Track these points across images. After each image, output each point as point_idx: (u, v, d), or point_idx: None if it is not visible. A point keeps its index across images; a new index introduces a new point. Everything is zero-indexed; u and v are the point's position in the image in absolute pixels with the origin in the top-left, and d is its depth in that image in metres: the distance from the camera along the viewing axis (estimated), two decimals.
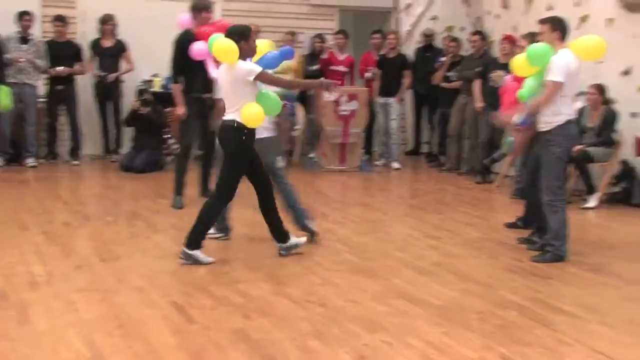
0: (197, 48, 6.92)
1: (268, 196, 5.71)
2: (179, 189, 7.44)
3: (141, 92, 9.79)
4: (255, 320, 4.34)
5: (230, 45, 5.26)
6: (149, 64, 10.31)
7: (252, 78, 5.29)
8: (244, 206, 7.55)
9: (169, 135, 9.88)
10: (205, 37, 7.03)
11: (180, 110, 7.32)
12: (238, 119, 5.32)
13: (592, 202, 7.94)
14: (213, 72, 6.67)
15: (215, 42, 5.44)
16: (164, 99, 9.34)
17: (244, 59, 5.37)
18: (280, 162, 6.08)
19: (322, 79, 7.56)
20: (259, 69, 5.34)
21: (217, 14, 9.61)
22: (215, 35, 5.85)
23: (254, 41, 5.50)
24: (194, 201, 7.56)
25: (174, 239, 6.11)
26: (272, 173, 5.89)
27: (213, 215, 5.60)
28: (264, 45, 5.81)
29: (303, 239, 5.87)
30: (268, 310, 4.52)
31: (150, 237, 6.23)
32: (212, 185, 7.75)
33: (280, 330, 4.19)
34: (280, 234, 5.74)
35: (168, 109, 9.39)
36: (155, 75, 10.36)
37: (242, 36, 5.34)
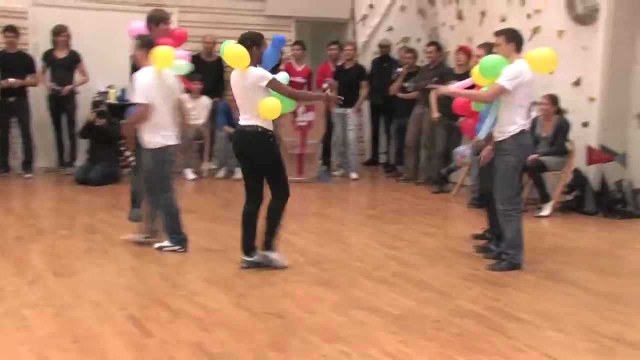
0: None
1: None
2: (136, 201, 7.34)
3: (96, 104, 9.67)
4: (214, 333, 4.31)
5: (242, 50, 5.38)
6: (104, 76, 10.20)
7: (264, 84, 5.42)
8: (202, 219, 7.53)
9: (125, 147, 9.77)
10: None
11: None
12: (260, 123, 5.47)
13: (546, 210, 8.08)
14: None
15: (227, 48, 5.48)
16: (120, 110, 9.25)
17: (255, 65, 5.48)
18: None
19: (328, 92, 7.67)
20: (270, 76, 5.48)
21: (174, 24, 9.54)
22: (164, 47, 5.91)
23: (266, 47, 5.68)
24: None
25: (132, 252, 6.05)
26: (163, 181, 6.06)
27: (281, 213, 5.74)
28: None
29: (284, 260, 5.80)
30: (226, 322, 4.49)
31: (107, 251, 6.15)
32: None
33: (239, 342, 4.17)
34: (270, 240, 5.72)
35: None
36: (110, 87, 10.25)
37: (255, 42, 5.50)
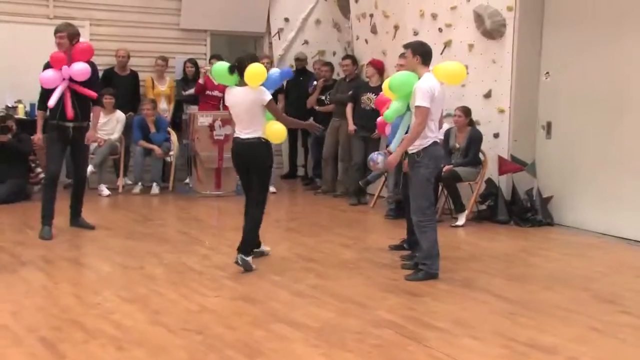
0: (46, 76, 6.97)
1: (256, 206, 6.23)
2: (46, 218, 7.13)
3: (2, 119, 9.33)
4: (130, 351, 4.21)
5: (264, 70, 5.96)
6: (12, 90, 9.88)
7: (265, 103, 6.00)
8: (118, 235, 7.36)
9: (35, 164, 9.47)
10: (56, 64, 6.92)
11: (36, 137, 7.45)
12: (262, 135, 6.03)
13: (461, 220, 8.26)
14: (52, 100, 6.93)
15: (252, 68, 5.89)
16: (29, 126, 8.96)
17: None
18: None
19: (311, 120, 8.74)
20: (269, 96, 6.04)
21: (86, 38, 9.34)
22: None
23: None
24: (62, 231, 7.30)
25: (43, 271, 5.85)
26: None
27: (260, 221, 6.20)
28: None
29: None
30: (143, 340, 4.39)
31: (16, 271, 5.92)
32: (83, 214, 7.54)
33: None
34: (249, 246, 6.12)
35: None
36: (19, 102, 9.93)
37: (255, 60, 6.05)
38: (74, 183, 7.65)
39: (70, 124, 7.13)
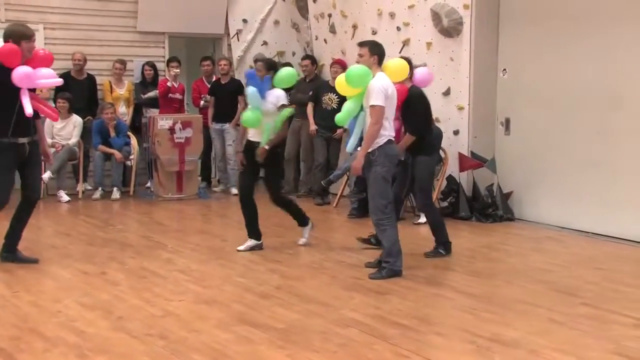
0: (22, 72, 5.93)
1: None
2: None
3: None
4: (92, 359, 4.15)
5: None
6: None
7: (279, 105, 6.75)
8: (78, 241, 7.25)
9: None
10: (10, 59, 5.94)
11: None
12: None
13: (423, 218, 8.30)
14: (28, 109, 5.88)
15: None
16: None
17: None
18: None
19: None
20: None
21: (40, 42, 9.19)
22: None
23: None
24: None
25: (0, 280, 5.74)
26: None
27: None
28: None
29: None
30: (106, 347, 4.33)
31: None
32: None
33: None
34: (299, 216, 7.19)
35: None
36: None
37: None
38: (27, 206, 6.33)
39: (26, 140, 6.12)
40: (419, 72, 7.25)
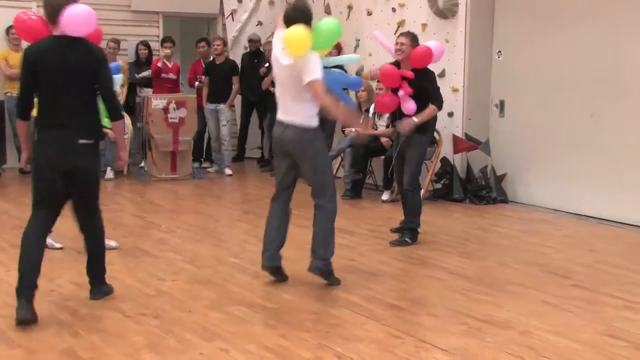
0: None
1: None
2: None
3: None
4: (85, 338, 4.16)
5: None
6: None
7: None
8: (72, 221, 7.23)
9: None
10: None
11: (23, 158, 4.92)
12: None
13: (387, 194, 8.48)
14: None
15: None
16: None
17: None
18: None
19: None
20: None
21: None
22: None
23: None
24: (12, 217, 7.16)
25: None
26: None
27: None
28: None
29: None
30: (99, 326, 4.35)
31: None
32: None
33: (112, 346, 4.04)
34: None
35: None
36: None
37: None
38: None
39: None
40: (435, 48, 6.66)
